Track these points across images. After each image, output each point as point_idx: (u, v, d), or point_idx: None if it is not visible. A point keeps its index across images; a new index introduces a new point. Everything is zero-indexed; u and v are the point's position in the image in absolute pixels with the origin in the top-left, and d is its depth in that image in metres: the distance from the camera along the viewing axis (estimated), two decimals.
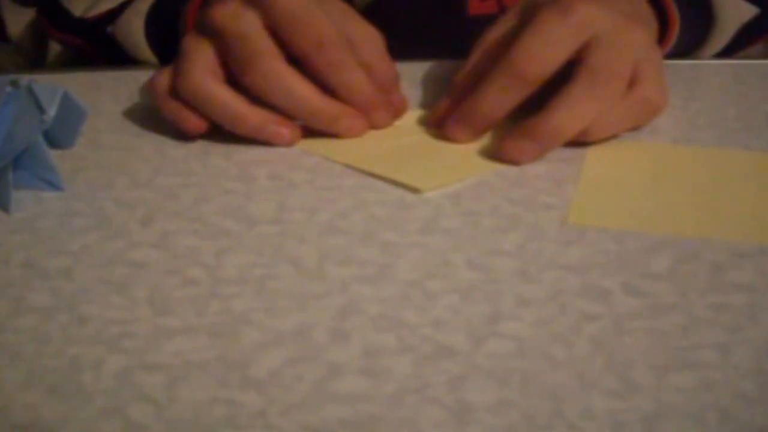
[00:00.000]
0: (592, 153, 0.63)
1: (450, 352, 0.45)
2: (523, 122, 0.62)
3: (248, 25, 0.63)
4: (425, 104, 0.70)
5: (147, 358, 0.45)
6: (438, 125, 0.66)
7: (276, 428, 0.41)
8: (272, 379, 0.44)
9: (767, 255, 0.53)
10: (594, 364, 0.45)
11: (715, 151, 0.64)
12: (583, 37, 0.61)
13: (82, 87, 0.75)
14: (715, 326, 0.47)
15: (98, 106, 0.72)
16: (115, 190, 0.61)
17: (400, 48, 0.69)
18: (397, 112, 0.67)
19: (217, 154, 0.65)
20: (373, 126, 0.66)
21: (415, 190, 0.59)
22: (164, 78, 0.66)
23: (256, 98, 0.64)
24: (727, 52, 0.80)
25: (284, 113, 0.65)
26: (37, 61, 0.90)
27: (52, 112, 0.57)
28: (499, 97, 0.62)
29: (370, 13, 0.69)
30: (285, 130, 0.65)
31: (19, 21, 0.91)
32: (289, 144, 0.65)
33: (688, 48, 0.77)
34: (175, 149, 0.65)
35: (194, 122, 0.65)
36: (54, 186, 0.60)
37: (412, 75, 0.74)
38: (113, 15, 0.81)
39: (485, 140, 0.64)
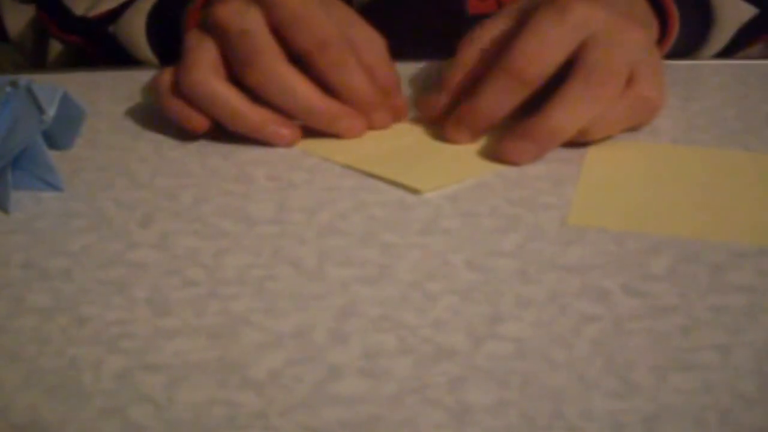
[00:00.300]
0: (591, 153, 0.63)
1: (450, 353, 0.45)
2: (521, 123, 0.62)
3: (251, 23, 0.63)
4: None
5: (146, 358, 0.45)
6: (431, 121, 0.66)
7: (275, 429, 0.41)
8: (272, 379, 0.44)
9: (767, 256, 0.53)
10: (594, 365, 0.45)
11: (714, 151, 0.64)
12: (580, 36, 0.61)
13: (81, 87, 0.75)
14: (715, 327, 0.47)
15: (97, 106, 0.72)
16: (115, 191, 0.61)
17: (399, 47, 0.69)
18: (397, 115, 0.67)
19: (217, 154, 0.65)
20: (373, 127, 0.66)
21: (414, 191, 0.59)
22: (167, 76, 0.66)
23: (257, 98, 0.64)
24: (726, 53, 0.80)
25: (284, 112, 0.65)
26: (37, 60, 0.90)
27: (51, 112, 0.57)
28: (499, 98, 0.62)
29: (368, 13, 0.69)
30: (285, 131, 0.65)
31: (19, 19, 0.91)
32: (289, 144, 0.65)
33: (687, 48, 0.77)
34: (174, 150, 0.65)
35: (197, 121, 0.64)
36: (53, 186, 0.60)
37: (412, 75, 0.74)
38: (115, 14, 0.81)
39: (485, 141, 0.64)
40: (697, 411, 0.42)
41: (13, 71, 0.79)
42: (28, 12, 0.90)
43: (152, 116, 0.70)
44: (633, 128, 0.66)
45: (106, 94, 0.74)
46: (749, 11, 0.78)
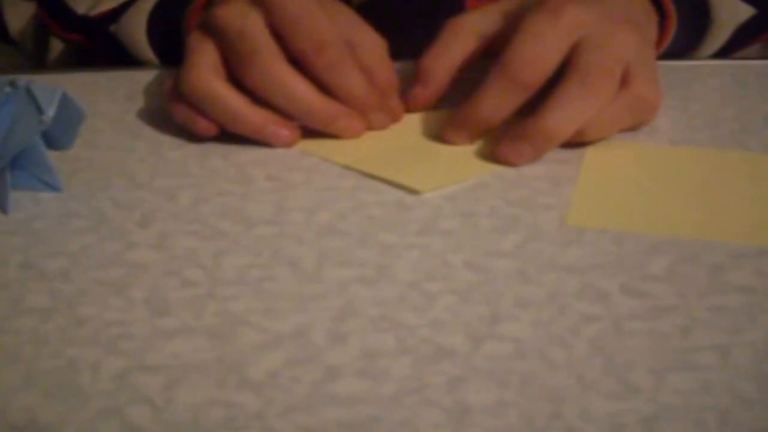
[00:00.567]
0: (590, 154, 0.63)
1: (449, 354, 0.45)
2: (518, 125, 0.62)
3: (250, 24, 0.63)
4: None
5: (145, 359, 0.45)
6: (412, 111, 0.67)
7: (274, 430, 0.41)
8: (270, 380, 0.44)
9: (766, 256, 0.53)
10: (593, 365, 0.44)
11: (713, 152, 0.64)
12: (573, 37, 0.61)
13: (80, 87, 0.75)
14: (715, 328, 0.47)
15: (96, 106, 0.72)
16: (113, 191, 0.60)
17: (398, 45, 0.69)
18: (395, 116, 0.67)
19: (216, 155, 0.65)
20: (371, 127, 0.66)
21: (413, 192, 0.59)
22: (173, 80, 0.66)
23: (257, 99, 0.64)
24: (724, 53, 0.79)
25: (282, 112, 0.65)
26: (37, 58, 0.90)
27: (50, 113, 0.57)
28: (499, 102, 0.62)
29: (367, 11, 0.69)
30: (285, 131, 0.65)
31: (20, 17, 0.91)
32: (288, 145, 0.65)
33: (684, 48, 0.77)
34: (173, 150, 0.65)
35: (203, 124, 0.65)
36: (52, 187, 0.60)
37: (412, 75, 0.74)
38: (116, 14, 0.81)
39: (484, 141, 0.64)
40: (697, 411, 0.42)
41: (13, 72, 0.79)
42: (29, 10, 0.90)
43: (151, 117, 0.70)
44: (631, 128, 0.66)
45: (106, 95, 0.74)
46: (747, 11, 0.78)
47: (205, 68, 0.64)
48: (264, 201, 0.59)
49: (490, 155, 0.63)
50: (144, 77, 0.76)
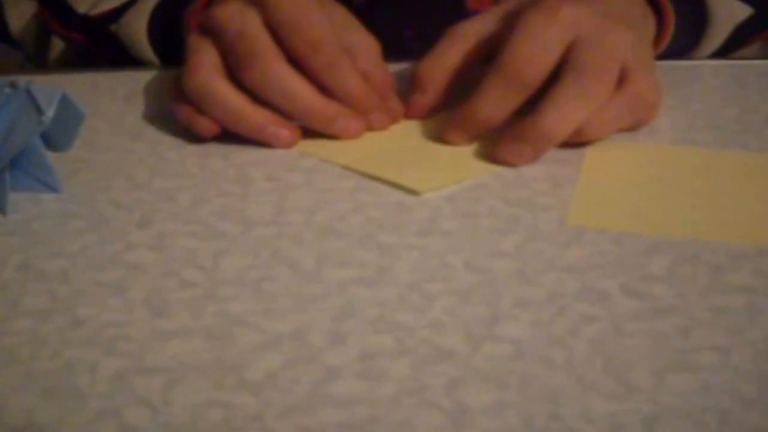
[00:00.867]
0: (590, 154, 0.63)
1: (448, 355, 0.45)
2: (515, 125, 0.62)
3: (249, 25, 0.64)
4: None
5: (143, 360, 0.45)
6: (411, 117, 0.67)
7: (273, 431, 0.41)
8: (269, 381, 0.44)
9: (766, 256, 0.52)
10: (593, 366, 0.44)
11: (713, 152, 0.64)
12: (570, 36, 0.61)
13: (80, 88, 0.75)
14: (714, 328, 0.47)
15: (96, 107, 0.72)
16: (113, 192, 0.60)
17: (397, 44, 0.69)
18: (394, 117, 0.67)
19: (215, 155, 0.64)
20: (370, 128, 0.66)
21: (413, 192, 0.59)
22: (176, 81, 0.66)
23: (257, 100, 0.64)
24: (723, 52, 0.79)
25: (282, 112, 0.65)
26: (39, 57, 0.90)
27: (50, 114, 0.57)
28: (498, 102, 0.62)
29: (367, 9, 0.69)
30: (285, 132, 0.65)
31: (21, 15, 0.91)
32: (288, 146, 0.65)
33: (683, 48, 0.77)
34: (172, 151, 0.65)
35: (205, 124, 0.65)
36: (51, 188, 0.60)
37: (411, 77, 0.74)
38: (117, 13, 0.81)
39: (483, 142, 0.64)
40: (697, 412, 0.42)
41: (13, 72, 0.79)
42: (30, 8, 0.90)
43: (151, 117, 0.70)
44: (631, 128, 0.66)
45: (105, 95, 0.74)
46: (744, 11, 0.78)
47: (206, 68, 0.64)
48: (263, 202, 0.59)
49: (490, 156, 0.63)
50: (143, 78, 0.76)
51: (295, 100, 0.64)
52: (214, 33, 0.65)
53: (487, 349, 0.46)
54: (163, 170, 0.63)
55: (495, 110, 0.62)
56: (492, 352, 0.45)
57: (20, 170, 0.59)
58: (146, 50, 0.80)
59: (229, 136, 0.65)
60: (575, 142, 0.63)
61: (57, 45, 0.87)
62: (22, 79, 0.58)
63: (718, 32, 0.78)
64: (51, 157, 0.60)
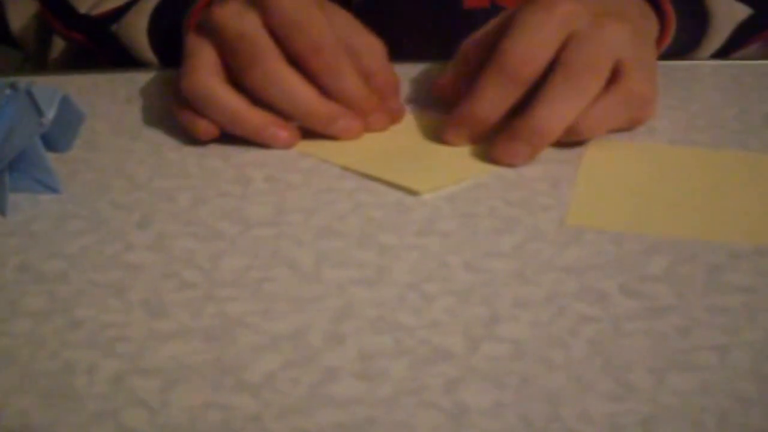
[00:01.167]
0: (588, 154, 0.63)
1: (447, 355, 0.45)
2: (510, 125, 0.62)
3: (249, 25, 0.63)
4: (422, 106, 0.70)
5: (141, 362, 0.45)
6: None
7: None
8: (267, 382, 0.44)
9: (765, 256, 0.52)
10: (592, 366, 0.44)
11: (713, 152, 0.64)
12: (566, 32, 0.61)
13: (79, 89, 0.75)
14: (713, 328, 0.47)
15: (95, 108, 0.71)
16: (112, 193, 0.60)
17: (395, 43, 0.69)
18: (394, 118, 0.67)
19: (214, 156, 0.64)
20: (370, 129, 0.66)
21: (412, 192, 0.59)
22: (176, 83, 0.66)
23: (256, 101, 0.64)
24: (723, 53, 0.79)
25: (282, 113, 0.65)
26: (39, 56, 0.90)
27: (50, 115, 0.57)
28: (494, 99, 0.62)
29: (364, 9, 0.69)
30: (284, 133, 0.65)
31: (22, 14, 0.91)
32: (287, 146, 0.65)
33: (683, 48, 0.77)
34: (172, 151, 0.65)
35: (204, 126, 0.65)
36: (51, 188, 0.60)
37: (409, 76, 0.74)
38: (118, 14, 0.81)
39: (482, 142, 0.64)
40: (695, 412, 0.42)
41: (13, 73, 0.79)
42: (30, 8, 0.90)
43: (150, 118, 0.70)
44: (628, 126, 0.66)
45: (105, 96, 0.74)
46: (744, 11, 0.78)
47: (204, 70, 0.64)
48: (263, 202, 0.59)
49: (488, 156, 0.63)
50: (143, 79, 0.76)
51: (295, 101, 0.64)
52: (213, 33, 0.65)
53: (487, 349, 0.46)
54: (162, 171, 0.63)
55: (492, 107, 0.62)
56: (491, 353, 0.45)
57: (20, 171, 0.59)
58: (146, 51, 0.80)
59: (229, 136, 0.65)
60: (571, 140, 0.63)
61: (58, 44, 0.87)
62: (23, 81, 0.58)
63: (719, 32, 0.78)
64: (51, 157, 0.60)
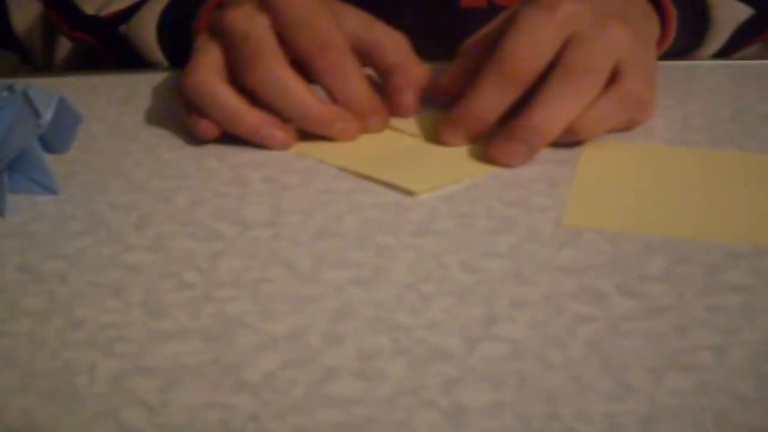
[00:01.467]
0: (586, 154, 0.63)
1: (444, 355, 0.45)
2: (507, 124, 0.62)
3: (256, 27, 0.64)
4: (421, 106, 0.70)
5: (141, 361, 0.45)
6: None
7: None
8: (266, 382, 0.44)
9: (762, 256, 0.52)
10: (589, 366, 0.44)
11: (709, 152, 0.64)
12: (567, 32, 0.61)
13: (77, 91, 0.75)
14: (711, 328, 0.47)
15: (93, 110, 0.72)
16: (110, 194, 0.60)
17: None
18: (402, 114, 0.67)
19: (212, 157, 0.65)
20: (368, 130, 0.66)
21: (409, 193, 0.59)
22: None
23: (257, 103, 0.64)
24: (723, 53, 0.80)
25: (280, 115, 0.65)
26: (44, 57, 0.90)
27: (47, 116, 0.57)
28: (493, 99, 0.62)
29: (363, 7, 0.69)
30: (281, 133, 0.65)
31: (26, 15, 0.91)
32: (284, 147, 0.65)
33: (684, 48, 0.77)
34: (169, 152, 0.65)
35: (204, 125, 0.65)
36: (49, 190, 0.60)
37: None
38: (126, 14, 0.81)
39: (479, 142, 0.64)
40: (694, 412, 0.42)
41: (10, 75, 0.79)
42: (35, 9, 0.90)
43: (148, 119, 0.70)
44: (627, 127, 0.66)
45: (103, 98, 0.75)
46: (745, 12, 0.78)
47: (206, 69, 0.64)
48: (260, 203, 0.59)
49: (486, 156, 0.63)
50: (140, 80, 0.76)
51: (292, 103, 0.64)
52: (221, 35, 0.65)
53: (484, 349, 0.46)
54: (160, 172, 0.63)
55: (490, 107, 0.62)
56: (489, 352, 0.45)
57: (18, 172, 0.60)
58: (155, 52, 0.80)
59: (226, 137, 0.65)
60: (569, 141, 0.63)
61: (64, 45, 0.87)
62: (20, 83, 0.58)
63: (720, 32, 0.78)
64: (49, 159, 0.60)
